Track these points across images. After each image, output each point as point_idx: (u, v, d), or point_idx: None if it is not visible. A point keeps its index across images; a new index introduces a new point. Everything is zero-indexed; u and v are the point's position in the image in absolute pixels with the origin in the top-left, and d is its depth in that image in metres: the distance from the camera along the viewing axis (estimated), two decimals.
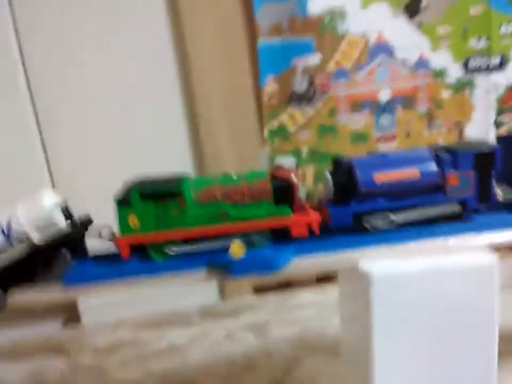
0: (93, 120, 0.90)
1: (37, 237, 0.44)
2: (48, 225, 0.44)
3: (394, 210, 0.47)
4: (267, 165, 0.97)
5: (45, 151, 0.90)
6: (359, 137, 1.00)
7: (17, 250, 0.45)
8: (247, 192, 0.45)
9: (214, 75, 0.90)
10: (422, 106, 1.01)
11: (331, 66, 0.95)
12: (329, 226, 0.47)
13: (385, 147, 1.01)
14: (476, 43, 0.99)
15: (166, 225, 0.45)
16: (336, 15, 0.93)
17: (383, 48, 0.97)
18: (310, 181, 0.99)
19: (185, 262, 0.44)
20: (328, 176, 0.48)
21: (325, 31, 0.93)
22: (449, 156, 0.47)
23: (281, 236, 0.46)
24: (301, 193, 0.47)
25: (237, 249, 0.42)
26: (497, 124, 1.03)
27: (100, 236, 0.47)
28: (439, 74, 1.00)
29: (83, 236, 0.48)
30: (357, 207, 0.47)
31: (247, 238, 0.45)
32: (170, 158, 0.91)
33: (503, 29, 0.98)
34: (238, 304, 0.96)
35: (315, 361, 0.73)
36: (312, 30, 0.93)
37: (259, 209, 0.45)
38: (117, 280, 0.43)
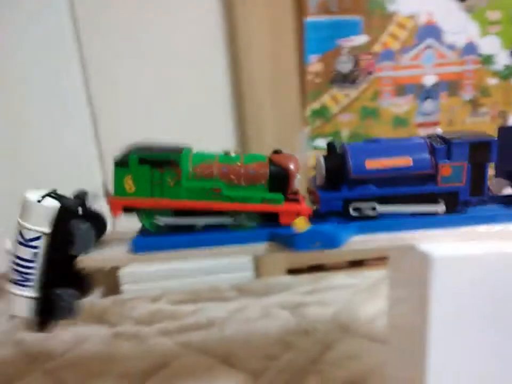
0: (144, 101, 0.91)
1: (46, 228, 0.46)
2: (42, 212, 0.46)
3: (384, 197, 0.46)
4: (306, 146, 0.97)
5: (96, 134, 0.92)
6: (401, 121, 0.99)
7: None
8: (243, 173, 0.45)
9: (260, 52, 0.89)
10: (467, 93, 0.99)
11: (377, 48, 0.94)
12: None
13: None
14: None
15: (160, 193, 0.45)
16: None
17: (431, 31, 0.95)
18: None
19: (246, 234, 0.45)
20: (321, 160, 0.47)
21: (374, 10, 0.91)
22: (443, 145, 0.46)
23: (270, 221, 0.46)
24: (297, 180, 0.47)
25: (301, 223, 0.42)
26: None
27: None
28: (487, 60, 0.97)
29: (83, 205, 0.48)
30: (347, 193, 0.46)
31: (236, 218, 0.45)
32: (214, 135, 0.91)
33: None
34: (273, 283, 0.97)
35: (350, 343, 0.74)
36: (361, 10, 0.91)
37: (252, 192, 0.45)
38: (184, 249, 0.44)
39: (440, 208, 0.46)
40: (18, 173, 0.90)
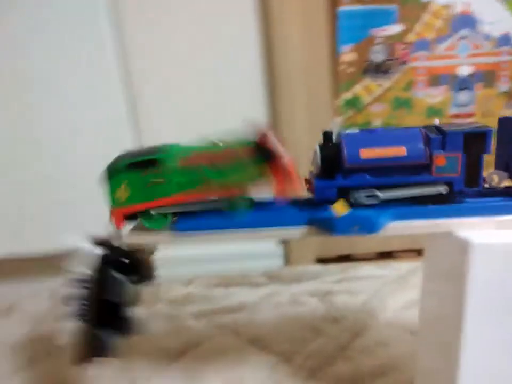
0: (179, 80, 0.93)
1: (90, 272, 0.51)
2: (86, 258, 0.50)
3: (379, 187, 0.46)
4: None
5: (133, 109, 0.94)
6: (434, 112, 0.98)
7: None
8: (229, 158, 0.46)
9: (293, 42, 0.90)
10: (503, 84, 0.97)
11: (411, 37, 0.93)
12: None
13: None
14: None
15: (154, 193, 0.47)
16: None
17: (466, 21, 0.94)
18: None
19: (285, 217, 0.46)
20: (317, 149, 0.47)
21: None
22: (438, 136, 0.45)
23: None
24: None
25: (340, 207, 0.43)
26: None
27: None
28: None
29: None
30: (341, 181, 0.47)
31: (228, 202, 0.46)
32: (245, 116, 0.92)
33: None
34: (302, 271, 0.98)
35: (379, 332, 0.74)
36: None
37: (239, 175, 0.46)
38: (223, 230, 0.46)
39: (444, 189, 0.46)
40: (61, 160, 0.93)
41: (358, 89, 0.95)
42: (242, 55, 0.92)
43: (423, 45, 0.94)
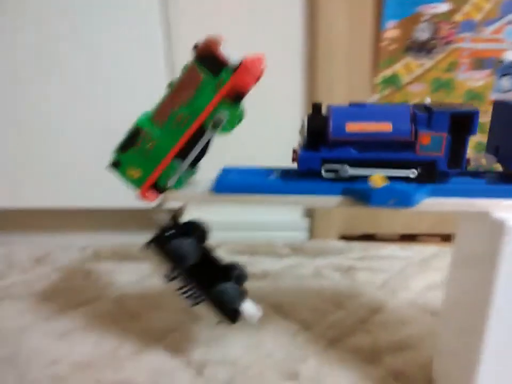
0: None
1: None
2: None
3: (362, 161, 0.47)
4: None
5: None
6: (474, 96, 0.95)
7: None
8: (185, 87, 0.47)
9: (337, 15, 0.88)
10: None
11: (458, 17, 0.90)
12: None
13: None
14: None
15: (156, 158, 0.50)
16: None
17: None
18: None
19: (321, 186, 0.47)
20: (305, 120, 0.48)
21: None
22: (425, 114, 0.45)
23: (235, 96, 0.47)
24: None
25: (377, 179, 0.44)
26: None
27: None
28: None
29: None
30: (325, 153, 0.47)
31: (215, 121, 0.47)
32: (283, 95, 0.92)
33: None
34: (326, 246, 0.99)
35: (400, 310, 0.75)
36: None
37: (205, 92, 0.47)
38: (260, 194, 0.47)
39: (412, 173, 0.46)
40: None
41: (398, 67, 0.94)
42: (284, 25, 0.91)
43: (470, 26, 0.91)
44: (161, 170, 0.50)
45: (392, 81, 0.94)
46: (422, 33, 0.91)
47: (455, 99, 0.95)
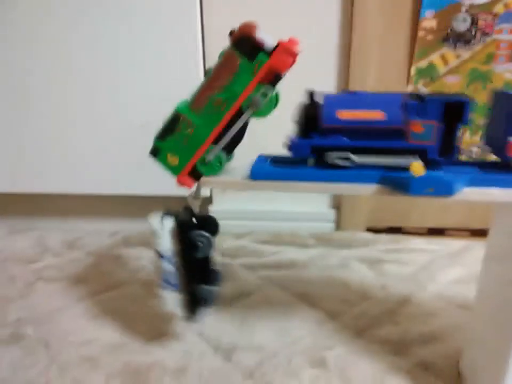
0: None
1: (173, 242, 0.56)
2: (165, 233, 0.55)
3: (354, 149, 0.46)
4: None
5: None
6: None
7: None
8: (223, 72, 0.48)
9: (374, 3, 0.87)
10: None
11: (498, 8, 0.88)
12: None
13: None
14: None
15: (194, 144, 0.50)
16: None
17: None
18: None
19: (358, 174, 0.46)
20: (300, 108, 0.48)
21: None
22: (417, 103, 0.44)
23: (272, 80, 0.47)
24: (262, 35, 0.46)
25: (417, 168, 0.43)
26: None
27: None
28: None
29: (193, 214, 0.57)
30: (317, 140, 0.47)
31: (253, 104, 0.48)
32: (316, 83, 0.91)
33: None
34: (352, 237, 0.99)
35: (428, 302, 0.75)
36: None
37: (242, 76, 0.47)
38: (295, 181, 0.48)
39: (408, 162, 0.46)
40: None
41: (434, 57, 0.92)
42: (319, 17, 0.90)
43: (509, 17, 0.88)
44: (199, 157, 0.51)
45: (427, 72, 0.93)
46: (460, 23, 0.89)
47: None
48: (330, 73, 0.93)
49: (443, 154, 0.46)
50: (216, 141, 0.51)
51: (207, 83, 0.49)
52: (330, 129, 0.47)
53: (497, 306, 0.51)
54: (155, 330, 0.68)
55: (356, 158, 0.47)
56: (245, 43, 0.47)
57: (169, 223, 0.55)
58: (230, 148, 0.51)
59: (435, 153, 0.46)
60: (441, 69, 0.92)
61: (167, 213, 0.56)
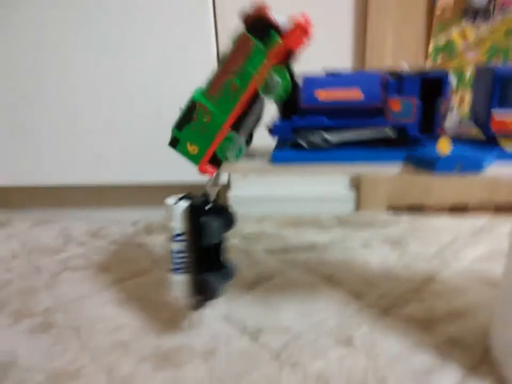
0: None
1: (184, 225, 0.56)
2: (178, 213, 0.55)
3: (333, 129, 0.46)
4: None
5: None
6: None
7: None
8: (237, 56, 0.47)
9: None
10: None
11: None
12: None
13: None
14: None
15: (212, 131, 0.50)
16: None
17: None
18: (467, 107, 0.94)
19: (382, 153, 0.46)
20: None
21: None
22: (395, 80, 0.44)
23: (286, 61, 0.46)
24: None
25: (444, 145, 0.43)
26: None
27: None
28: None
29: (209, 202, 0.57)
30: (297, 122, 0.47)
31: (269, 85, 0.47)
32: (332, 61, 0.91)
33: None
34: (374, 218, 0.99)
35: (453, 279, 0.74)
36: None
37: (256, 58, 0.47)
38: (318, 163, 0.47)
39: (388, 132, 0.46)
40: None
41: (453, 33, 0.90)
42: None
43: None
44: (218, 143, 0.51)
45: (446, 48, 0.91)
46: None
47: None
48: (346, 52, 0.92)
49: (424, 131, 0.46)
50: (234, 127, 0.50)
51: (222, 69, 0.49)
52: (309, 110, 0.47)
53: None
54: (181, 315, 0.69)
55: (330, 137, 0.47)
56: (258, 24, 0.46)
57: (184, 205, 0.55)
58: (248, 133, 0.51)
59: (415, 130, 0.45)
60: (460, 44, 0.90)
61: (186, 196, 0.56)
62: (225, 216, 0.57)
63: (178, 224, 0.55)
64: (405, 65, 0.47)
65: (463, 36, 0.90)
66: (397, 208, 1.05)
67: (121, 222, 1.04)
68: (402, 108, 0.45)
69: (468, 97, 0.92)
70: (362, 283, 0.74)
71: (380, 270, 0.78)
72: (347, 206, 1.03)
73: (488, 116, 0.44)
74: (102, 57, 0.94)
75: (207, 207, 0.56)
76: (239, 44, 0.48)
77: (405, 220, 0.97)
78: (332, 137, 0.47)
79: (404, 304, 0.68)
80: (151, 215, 1.06)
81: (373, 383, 0.53)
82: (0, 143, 1.02)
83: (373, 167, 0.46)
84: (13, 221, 1.07)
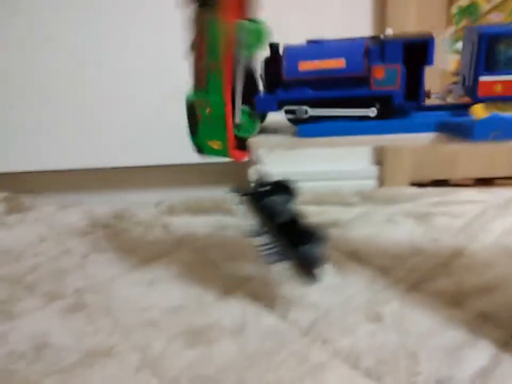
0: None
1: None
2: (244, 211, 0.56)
3: (317, 100, 0.45)
4: (448, 49, 0.90)
5: None
6: None
7: None
8: (199, 36, 0.46)
9: None
10: None
11: None
12: None
13: None
14: None
15: (220, 120, 0.49)
16: None
17: None
18: None
19: (413, 122, 0.44)
20: (263, 63, 0.47)
21: None
22: (377, 47, 0.42)
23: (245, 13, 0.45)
24: None
25: (480, 110, 0.41)
26: None
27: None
28: None
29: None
30: (282, 95, 0.46)
31: (239, 44, 0.45)
32: (351, 29, 0.88)
33: None
34: (397, 193, 0.97)
35: (482, 253, 0.73)
36: None
37: (212, 26, 0.45)
38: (345, 135, 0.46)
39: (372, 112, 0.45)
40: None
41: None
42: None
43: None
44: (231, 125, 0.50)
45: (469, 11, 0.87)
46: None
47: None
48: (364, 21, 0.89)
49: (409, 99, 0.44)
50: (234, 102, 0.49)
51: (195, 57, 0.48)
52: (293, 82, 0.46)
53: None
54: (210, 293, 0.69)
55: (311, 110, 0.46)
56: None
57: (240, 201, 0.55)
58: (248, 99, 0.50)
59: (400, 98, 0.44)
60: (484, 6, 0.87)
61: (236, 191, 0.57)
62: (283, 188, 0.57)
63: (250, 220, 0.56)
64: (389, 31, 0.45)
65: None
66: (421, 184, 1.03)
67: (144, 203, 1.04)
68: (386, 75, 0.43)
69: None
70: (389, 258, 0.74)
71: (406, 245, 0.77)
72: (370, 182, 1.02)
73: (475, 80, 0.42)
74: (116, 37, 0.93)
75: (263, 189, 0.56)
76: (194, 22, 0.47)
77: (430, 194, 0.95)
78: (315, 112, 0.47)
79: (432, 279, 0.67)
80: (173, 195, 1.06)
81: (403, 360, 0.53)
82: (23, 129, 1.03)
83: (404, 138, 0.44)
84: (38, 205, 1.08)
